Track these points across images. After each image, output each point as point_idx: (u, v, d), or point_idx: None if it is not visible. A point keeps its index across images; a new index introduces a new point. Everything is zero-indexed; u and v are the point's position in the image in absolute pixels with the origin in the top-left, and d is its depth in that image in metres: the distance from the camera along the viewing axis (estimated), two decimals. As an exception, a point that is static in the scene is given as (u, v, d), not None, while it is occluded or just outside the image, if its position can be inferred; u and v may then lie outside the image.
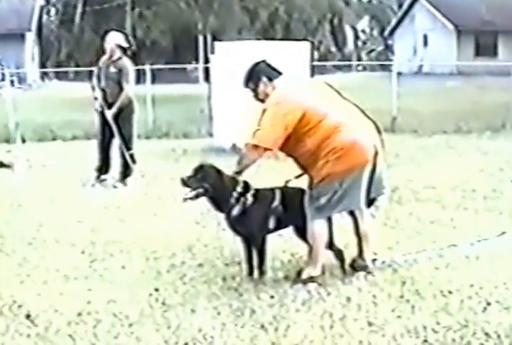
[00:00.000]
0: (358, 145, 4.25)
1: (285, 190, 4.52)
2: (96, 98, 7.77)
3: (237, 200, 4.35)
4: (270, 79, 4.41)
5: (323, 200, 4.27)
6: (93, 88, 7.84)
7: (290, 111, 4.22)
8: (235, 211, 4.36)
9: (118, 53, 7.75)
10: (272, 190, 4.49)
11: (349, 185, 4.27)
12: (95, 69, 8.02)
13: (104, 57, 7.88)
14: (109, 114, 7.69)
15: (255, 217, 4.39)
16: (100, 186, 7.87)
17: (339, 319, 3.87)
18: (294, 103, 4.26)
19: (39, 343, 3.67)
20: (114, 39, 7.78)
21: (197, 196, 4.36)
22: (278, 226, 4.49)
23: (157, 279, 4.63)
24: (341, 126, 4.25)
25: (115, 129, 7.73)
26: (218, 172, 4.39)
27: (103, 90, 7.72)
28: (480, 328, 3.70)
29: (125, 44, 7.85)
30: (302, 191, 4.47)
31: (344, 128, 4.25)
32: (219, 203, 4.41)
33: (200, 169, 4.40)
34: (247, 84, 4.49)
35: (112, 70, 7.71)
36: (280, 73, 4.47)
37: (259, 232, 4.43)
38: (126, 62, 7.79)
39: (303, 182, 4.48)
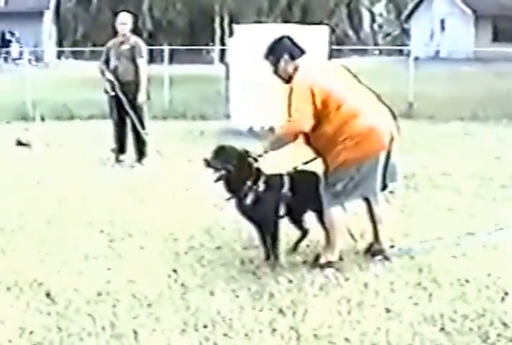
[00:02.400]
0: (375, 131, 4.24)
1: (294, 175, 4.51)
2: (107, 80, 7.79)
3: (250, 187, 4.35)
4: (293, 57, 4.36)
5: (339, 187, 4.28)
6: (102, 72, 7.87)
7: (317, 93, 4.19)
8: (248, 200, 4.35)
9: (128, 33, 7.85)
10: (281, 175, 4.47)
11: (366, 171, 4.28)
12: (103, 51, 8.06)
13: (114, 39, 7.93)
14: (140, 100, 7.72)
15: (267, 204, 4.39)
16: (118, 166, 7.93)
17: (357, 305, 3.89)
18: (320, 86, 4.22)
19: (59, 322, 3.70)
20: (126, 20, 7.84)
21: (220, 178, 4.35)
22: (289, 212, 4.50)
23: (176, 261, 4.66)
24: (359, 112, 4.25)
25: (130, 110, 7.77)
26: (240, 154, 4.37)
27: (115, 69, 7.75)
28: (497, 318, 3.70)
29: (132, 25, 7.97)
30: (315, 175, 4.47)
31: (362, 114, 4.25)
32: (235, 187, 4.38)
33: (222, 150, 4.38)
34: (267, 57, 4.44)
35: (124, 47, 7.79)
36: (303, 52, 4.42)
37: (271, 218, 4.43)
38: (137, 40, 7.95)
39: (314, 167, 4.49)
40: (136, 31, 8.30)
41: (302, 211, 4.67)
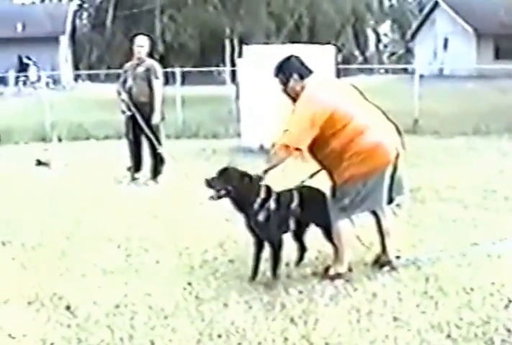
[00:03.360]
0: (381, 147, 4.36)
1: (302, 190, 4.60)
2: (123, 100, 8.01)
3: (261, 205, 4.43)
4: (301, 77, 4.48)
5: (346, 201, 4.40)
6: (119, 93, 8.10)
7: (319, 111, 4.30)
8: (261, 217, 4.43)
9: (144, 55, 8.06)
10: (290, 191, 4.57)
11: (372, 185, 4.39)
12: (121, 73, 8.29)
13: (131, 61, 8.15)
14: (155, 121, 7.93)
15: (277, 221, 4.47)
16: (133, 184, 8.11)
17: (366, 314, 4.00)
18: (323, 104, 4.33)
19: (79, 334, 3.82)
20: (143, 43, 8.07)
21: (219, 197, 4.45)
22: (297, 226, 4.60)
23: (191, 274, 4.79)
24: (366, 129, 4.35)
25: (146, 129, 7.96)
26: (242, 175, 4.46)
27: (129, 90, 7.96)
28: (501, 325, 3.81)
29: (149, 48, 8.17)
30: (320, 192, 4.59)
31: (368, 131, 4.35)
32: (241, 205, 4.48)
33: (224, 171, 4.49)
34: (277, 75, 4.56)
35: (140, 69, 8.00)
36: (310, 72, 4.53)
37: (279, 235, 4.52)
38: (153, 62, 8.15)
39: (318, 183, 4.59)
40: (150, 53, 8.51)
41: (306, 226, 4.77)
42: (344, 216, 4.46)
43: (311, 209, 4.58)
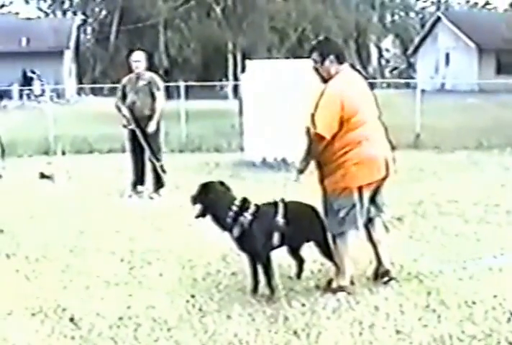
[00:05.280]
0: (377, 163, 4.40)
1: (289, 203, 4.45)
2: (124, 116, 8.07)
3: (234, 219, 4.34)
4: (339, 59, 4.44)
5: (342, 214, 4.42)
6: (119, 108, 8.13)
7: (347, 106, 4.29)
8: (235, 232, 4.39)
9: (143, 69, 8.11)
10: (275, 203, 4.44)
11: (366, 199, 4.43)
12: (118, 88, 8.32)
13: (129, 76, 8.20)
14: (150, 129, 7.99)
15: (257, 235, 4.37)
16: (136, 197, 8.15)
17: (368, 327, 4.02)
18: (351, 100, 4.33)
19: (82, 345, 3.84)
20: (140, 58, 8.12)
21: (201, 214, 4.41)
22: (284, 241, 4.49)
23: (194, 287, 4.82)
24: (366, 140, 4.37)
25: (144, 143, 8.02)
26: (217, 188, 4.39)
27: (132, 105, 8.01)
28: (503, 338, 3.83)
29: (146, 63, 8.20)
30: (311, 207, 4.57)
31: (368, 142, 4.37)
32: (218, 221, 4.43)
33: (203, 186, 4.43)
34: (312, 52, 4.51)
35: (141, 83, 8.05)
36: (345, 60, 4.51)
37: (264, 250, 4.44)
38: (152, 74, 8.22)
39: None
40: (152, 68, 8.57)
41: (299, 241, 4.69)
42: (340, 230, 4.46)
43: (300, 224, 4.50)
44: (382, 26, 50.25)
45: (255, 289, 4.61)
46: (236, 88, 19.71)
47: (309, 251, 5.08)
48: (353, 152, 4.36)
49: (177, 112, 14.00)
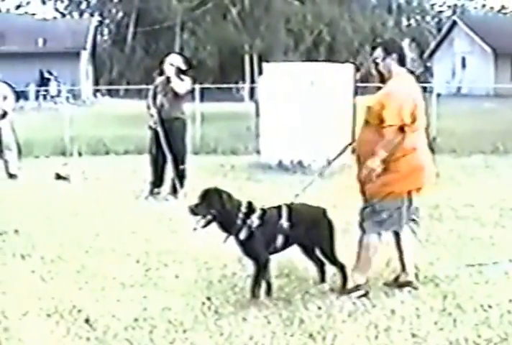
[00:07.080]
0: (423, 172, 4.45)
1: (295, 207, 4.49)
2: (151, 115, 8.10)
3: (243, 222, 4.33)
4: (401, 61, 4.50)
5: (384, 215, 4.43)
6: (148, 107, 8.18)
7: (417, 107, 4.36)
8: (242, 235, 4.37)
9: (174, 74, 8.08)
10: (279, 207, 4.47)
11: (408, 204, 4.47)
12: (151, 88, 8.37)
13: (161, 77, 8.22)
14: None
15: (262, 239, 4.38)
16: (152, 199, 8.16)
17: (384, 330, 4.02)
18: (419, 104, 4.40)
19: (98, 346, 3.85)
20: (174, 61, 8.11)
21: (208, 223, 4.37)
22: (286, 244, 4.50)
23: (209, 289, 4.82)
24: (420, 147, 4.44)
25: (165, 145, 8.03)
26: (221, 195, 4.35)
27: (161, 107, 8.05)
28: (520, 342, 3.81)
29: (183, 67, 8.15)
30: (318, 209, 4.57)
31: (418, 151, 4.43)
32: (226, 227, 4.40)
33: (205, 195, 4.37)
34: (375, 48, 4.61)
35: (170, 86, 8.05)
36: (405, 65, 4.56)
37: (266, 253, 4.43)
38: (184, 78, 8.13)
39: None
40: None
41: (309, 244, 4.67)
42: (378, 230, 4.48)
43: (305, 227, 4.50)
44: (398, 30, 50.10)
45: (269, 291, 4.60)
46: (252, 91, 19.74)
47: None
48: (407, 157, 4.37)
49: (193, 114, 14.02)
